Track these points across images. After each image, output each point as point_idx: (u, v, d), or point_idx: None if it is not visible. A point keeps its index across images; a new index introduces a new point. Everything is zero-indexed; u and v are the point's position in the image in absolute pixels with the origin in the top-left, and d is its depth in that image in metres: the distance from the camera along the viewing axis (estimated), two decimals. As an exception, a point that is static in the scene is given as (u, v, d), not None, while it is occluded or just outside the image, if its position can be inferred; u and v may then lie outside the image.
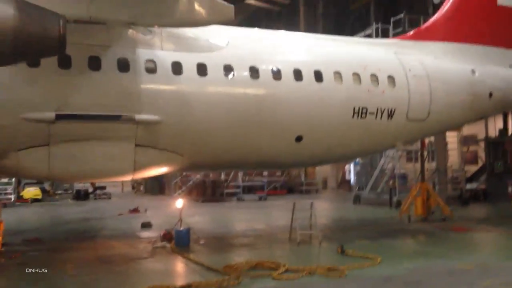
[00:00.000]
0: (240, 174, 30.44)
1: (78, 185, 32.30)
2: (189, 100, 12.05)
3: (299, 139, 13.38)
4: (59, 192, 31.97)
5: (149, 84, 11.71)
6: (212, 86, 12.31)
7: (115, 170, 12.02)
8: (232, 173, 30.36)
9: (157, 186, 34.06)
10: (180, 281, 8.74)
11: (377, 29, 21.22)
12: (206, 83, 12.22)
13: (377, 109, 14.02)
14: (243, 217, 19.57)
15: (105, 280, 9.09)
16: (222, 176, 30.25)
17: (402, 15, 20.49)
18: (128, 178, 12.91)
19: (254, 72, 12.68)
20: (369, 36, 21.63)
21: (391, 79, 14.28)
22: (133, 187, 40.38)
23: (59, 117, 10.78)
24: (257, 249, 12.32)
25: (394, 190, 22.64)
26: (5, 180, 26.82)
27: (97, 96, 11.20)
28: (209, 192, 29.08)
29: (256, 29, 14.23)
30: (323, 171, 35.65)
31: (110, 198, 31.46)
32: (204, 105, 12.14)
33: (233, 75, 12.47)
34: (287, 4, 39.24)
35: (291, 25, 35.67)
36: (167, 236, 12.79)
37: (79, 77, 10.97)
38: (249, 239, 14.00)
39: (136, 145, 11.85)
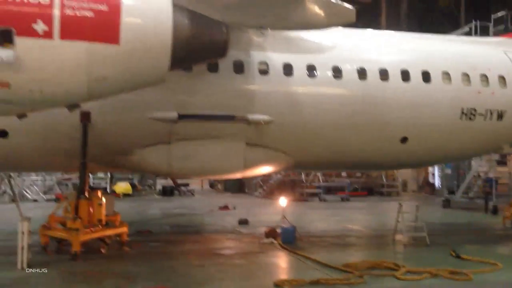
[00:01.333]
0: (319, 175, 30.45)
1: (162, 182, 33.73)
2: (299, 100, 12.36)
3: (404, 140, 13.28)
4: (144, 187, 33.59)
5: (262, 85, 12.14)
6: (320, 87, 12.54)
7: (227, 167, 12.56)
8: (312, 173, 30.43)
9: (237, 185, 34.79)
10: (301, 277, 8.94)
11: (475, 27, 20.43)
12: (315, 84, 12.48)
13: (486, 111, 13.61)
14: (333, 218, 19.59)
15: (231, 272, 9.58)
16: (302, 176, 30.38)
17: (504, 12, 19.60)
18: (238, 175, 13.44)
19: (361, 72, 12.76)
20: (468, 34, 20.86)
21: (501, 79, 13.80)
22: (211, 185, 41.52)
23: (181, 117, 11.45)
24: (363, 250, 12.39)
25: (489, 195, 21.71)
26: (100, 175, 28.69)
27: (213, 97, 11.78)
28: (289, 192, 29.31)
29: (361, 29, 14.26)
30: (403, 172, 34.75)
31: (193, 195, 32.59)
32: (312, 105, 12.39)
33: (341, 76, 12.61)
34: (369, 3, 38.64)
35: (372, 25, 35.13)
36: (271, 233, 13.18)
37: (199, 79, 11.58)
38: (350, 239, 14.07)
39: (247, 144, 12.32)
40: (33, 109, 7.96)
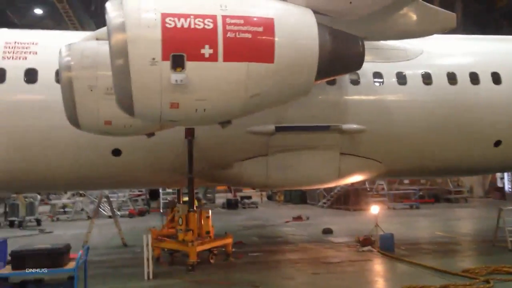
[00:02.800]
0: (384, 183, 30.15)
1: (222, 195, 34.26)
2: (390, 108, 12.48)
3: (497, 143, 13.13)
4: (204, 201, 34.25)
5: (354, 95, 12.35)
6: (411, 93, 12.62)
7: (322, 177, 12.77)
8: (376, 182, 30.17)
9: (299, 196, 34.92)
10: (421, 282, 8.96)
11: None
12: (405, 91, 12.58)
13: None
14: (415, 225, 19.37)
15: (350, 279, 9.73)
16: (366, 185, 30.19)
17: None
18: (331, 184, 13.65)
19: (451, 77, 12.77)
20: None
21: None
22: (269, 197, 41.80)
23: (278, 129, 11.80)
24: (469, 256, 12.28)
25: None
26: (169, 190, 29.48)
27: (308, 109, 12.06)
28: (354, 201, 29.18)
29: (445, 35, 14.26)
30: (468, 178, 33.90)
31: (257, 207, 32.94)
32: (404, 113, 12.48)
33: (431, 82, 12.67)
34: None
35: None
36: (367, 241, 13.27)
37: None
38: (449, 246, 13.91)
39: (341, 153, 12.52)
40: (190, 125, 8.45)
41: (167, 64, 6.13)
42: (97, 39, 9.08)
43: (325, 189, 32.19)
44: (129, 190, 30.16)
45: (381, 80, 12.49)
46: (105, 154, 11.47)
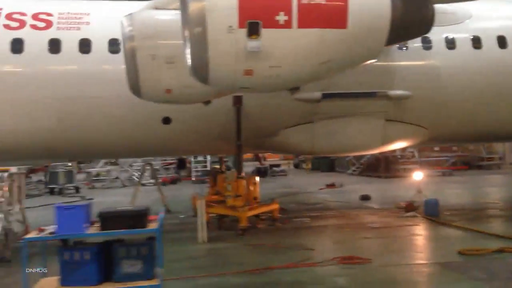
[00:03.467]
0: (415, 150, 30.02)
1: (249, 163, 34.67)
2: (438, 74, 12.35)
3: (548, 107, 12.93)
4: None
5: (401, 61, 12.25)
6: (459, 58, 12.44)
7: (367, 144, 12.84)
8: (407, 149, 30.06)
9: (327, 163, 35.09)
10: (475, 246, 9.07)
11: None
12: (454, 55, 12.42)
13: None
14: (450, 192, 19.34)
15: (403, 243, 9.91)
16: (397, 152, 30.10)
17: None
18: (376, 151, 13.74)
19: (501, 41, 12.53)
20: None
21: None
22: (296, 165, 42.08)
23: (325, 96, 11.83)
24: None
25: None
26: (201, 158, 29.99)
27: (354, 75, 11.98)
28: (384, 168, 29.22)
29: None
30: (501, 144, 33.47)
31: (286, 175, 33.29)
32: (452, 78, 12.35)
33: (481, 46, 12.46)
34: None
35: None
36: (410, 207, 13.40)
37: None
38: (493, 212, 14.01)
39: (386, 120, 12.52)
40: (261, 91, 8.62)
41: (243, 31, 6.20)
42: (156, 8, 9.16)
43: (354, 157, 32.26)
44: (160, 158, 30.77)
45: (429, 44, 12.34)
46: (156, 122, 11.72)
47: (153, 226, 6.36)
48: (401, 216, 12.98)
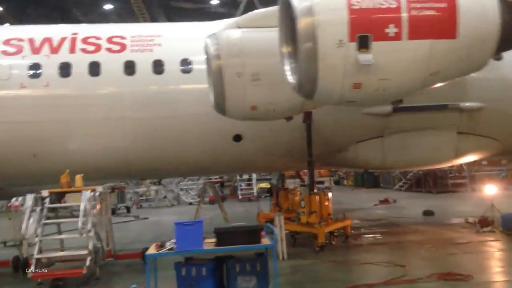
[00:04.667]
0: (464, 165, 29.32)
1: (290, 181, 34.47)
2: (511, 85, 12.10)
3: None
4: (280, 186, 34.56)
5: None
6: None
7: (439, 157, 12.61)
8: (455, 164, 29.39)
9: (370, 179, 34.62)
10: None
11: None
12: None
13: None
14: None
15: (491, 258, 9.60)
16: (445, 167, 29.46)
17: None
18: (447, 164, 13.47)
19: None
20: None
21: None
22: (336, 182, 41.63)
23: (395, 110, 11.70)
24: None
25: None
26: (246, 176, 30.02)
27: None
28: (435, 184, 28.59)
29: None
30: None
31: (331, 191, 32.88)
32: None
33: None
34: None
35: None
36: (485, 222, 13.00)
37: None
38: None
39: (458, 133, 12.29)
40: (365, 105, 8.58)
41: (353, 45, 6.22)
42: (238, 27, 9.33)
43: (400, 172, 31.72)
44: (205, 177, 30.97)
45: (499, 56, 12.10)
46: (227, 140, 11.83)
47: (265, 241, 6.36)
48: (478, 232, 12.58)
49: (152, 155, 11.81)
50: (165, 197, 29.26)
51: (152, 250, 6.33)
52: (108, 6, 37.66)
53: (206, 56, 9.55)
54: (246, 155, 12.24)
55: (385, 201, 22.38)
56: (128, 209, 25.97)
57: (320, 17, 6.24)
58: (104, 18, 37.33)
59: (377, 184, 34.24)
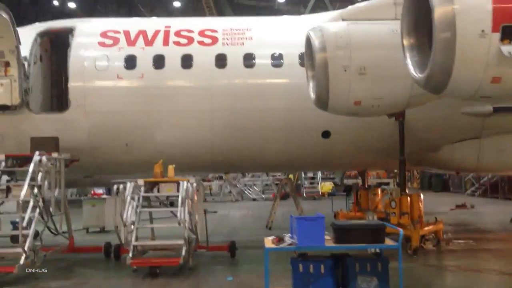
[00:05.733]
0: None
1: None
2: None
3: None
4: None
5: None
6: None
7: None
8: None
9: (439, 183, 33.28)
10: None
11: None
12: None
13: None
14: None
15: None
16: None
17: None
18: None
19: None
20: None
21: None
22: (398, 184, 40.35)
23: (496, 110, 11.01)
24: None
25: None
26: (310, 174, 29.71)
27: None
28: (508, 189, 27.01)
29: None
30: None
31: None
32: None
33: None
34: None
35: None
36: None
37: None
38: None
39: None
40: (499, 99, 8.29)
41: (496, 36, 5.82)
42: (342, 19, 9.07)
43: (473, 176, 30.27)
44: (270, 174, 30.82)
45: None
46: (315, 136, 11.60)
47: (389, 242, 6.07)
48: None
49: (238, 149, 11.79)
50: (230, 192, 29.46)
51: (269, 244, 6.20)
52: (177, 4, 38.42)
53: (306, 50, 9.36)
54: (334, 151, 11.96)
55: (463, 206, 21.34)
56: (194, 202, 26.34)
57: (461, 6, 5.86)
58: (170, 15, 38.14)
59: (446, 188, 32.85)
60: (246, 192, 29.85)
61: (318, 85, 8.94)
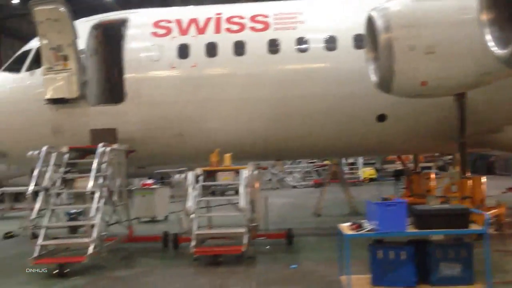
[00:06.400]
0: None
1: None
2: None
3: None
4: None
5: None
6: None
7: None
8: None
9: (484, 165, 32.31)
10: None
11: None
12: None
13: None
14: None
15: None
16: None
17: None
18: None
19: None
20: None
21: None
22: (440, 168, 39.44)
23: None
24: None
25: None
26: (351, 160, 29.38)
27: None
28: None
29: None
30: None
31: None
32: None
33: None
34: None
35: None
36: None
37: None
38: None
39: None
40: None
41: None
42: (408, -3, 8.73)
43: (522, 158, 29.30)
44: (309, 161, 30.62)
45: None
46: (370, 120, 11.35)
47: (475, 226, 5.86)
48: None
49: (291, 136, 11.66)
50: (269, 179, 29.46)
51: (346, 230, 6.09)
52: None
53: (367, 31, 9.10)
54: (391, 136, 11.69)
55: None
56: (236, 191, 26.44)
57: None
58: (201, 3, 38.01)
59: (491, 171, 31.88)
60: (285, 179, 29.78)
61: (382, 67, 8.67)
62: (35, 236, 13.30)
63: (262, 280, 8.00)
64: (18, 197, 19.76)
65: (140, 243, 11.69)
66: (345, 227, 6.15)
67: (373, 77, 9.13)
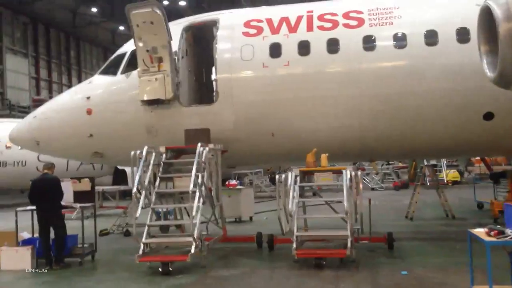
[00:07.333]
0: None
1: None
2: None
3: None
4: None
5: None
6: None
7: None
8: None
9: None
10: None
11: None
12: None
13: None
14: None
15: None
16: None
17: None
18: None
19: None
20: None
21: None
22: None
23: None
24: None
25: None
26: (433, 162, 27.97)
27: None
28: None
29: None
30: None
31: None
32: None
33: None
34: None
35: None
36: None
37: None
38: None
39: None
40: None
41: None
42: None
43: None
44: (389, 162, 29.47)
45: None
46: (476, 118, 10.59)
47: None
48: None
49: (388, 135, 11.13)
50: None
51: (485, 237, 5.57)
52: (278, -7, 38.18)
53: (480, 23, 8.42)
54: (498, 135, 10.85)
55: None
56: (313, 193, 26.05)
57: None
58: (270, 4, 37.93)
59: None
60: (364, 181, 28.94)
61: (503, 60, 7.96)
62: (128, 234, 13.93)
63: (375, 286, 7.61)
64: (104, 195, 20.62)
65: (233, 243, 11.66)
66: (482, 233, 5.64)
67: (489, 72, 8.43)
